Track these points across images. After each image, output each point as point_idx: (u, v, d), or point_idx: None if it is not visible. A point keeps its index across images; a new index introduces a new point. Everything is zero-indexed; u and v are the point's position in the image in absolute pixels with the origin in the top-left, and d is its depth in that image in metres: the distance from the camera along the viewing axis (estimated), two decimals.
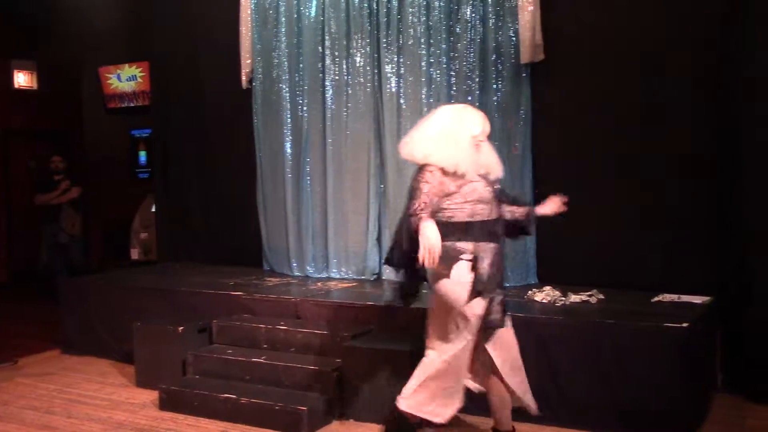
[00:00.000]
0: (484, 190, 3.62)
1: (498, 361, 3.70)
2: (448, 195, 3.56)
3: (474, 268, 3.55)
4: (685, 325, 4.12)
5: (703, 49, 4.98)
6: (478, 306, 3.56)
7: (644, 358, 4.10)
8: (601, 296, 4.90)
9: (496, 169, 3.73)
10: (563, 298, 4.86)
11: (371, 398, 4.46)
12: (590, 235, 5.33)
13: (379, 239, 6.02)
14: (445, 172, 3.54)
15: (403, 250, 3.63)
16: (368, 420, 4.46)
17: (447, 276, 3.55)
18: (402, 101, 5.82)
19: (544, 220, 4.11)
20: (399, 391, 3.78)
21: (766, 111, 4.67)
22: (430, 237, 3.35)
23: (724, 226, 4.98)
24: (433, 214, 3.50)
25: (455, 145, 3.57)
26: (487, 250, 3.59)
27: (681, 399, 4.04)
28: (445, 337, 3.64)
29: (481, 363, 3.75)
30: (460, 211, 3.57)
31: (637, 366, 4.10)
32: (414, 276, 3.78)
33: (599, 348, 4.23)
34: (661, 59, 5.10)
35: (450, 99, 5.61)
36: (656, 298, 4.85)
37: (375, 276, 6.04)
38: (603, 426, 4.15)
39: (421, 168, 3.61)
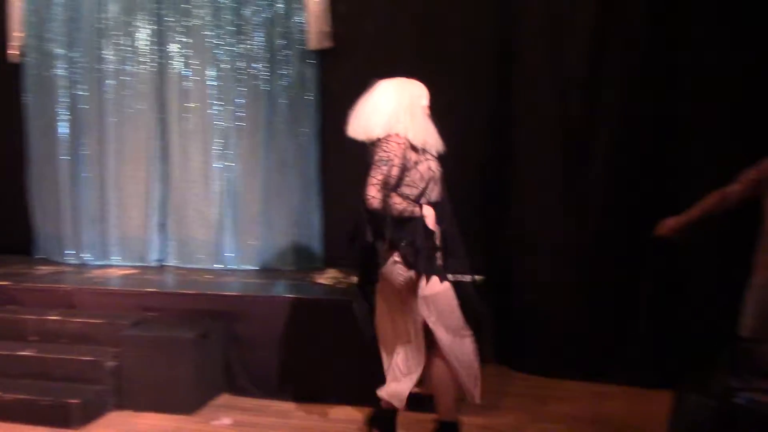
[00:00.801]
0: (437, 169, 3.49)
1: None
2: (407, 170, 3.40)
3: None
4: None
5: (484, 47, 5.24)
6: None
7: None
8: None
9: (440, 145, 3.54)
10: (344, 280, 4.99)
11: (151, 387, 4.34)
12: None
13: (164, 224, 5.84)
14: (409, 145, 3.40)
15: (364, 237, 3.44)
16: (147, 409, 4.35)
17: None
18: (187, 83, 5.67)
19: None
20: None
21: (525, 113, 5.06)
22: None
23: (496, 211, 5.34)
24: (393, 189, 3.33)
25: (413, 118, 3.45)
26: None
27: None
28: None
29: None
30: (414, 189, 3.42)
31: None
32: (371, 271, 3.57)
33: None
34: (442, 55, 5.31)
35: (238, 82, 5.57)
36: None
37: (158, 262, 5.85)
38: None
39: (380, 141, 3.41)
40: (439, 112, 5.26)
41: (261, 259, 5.64)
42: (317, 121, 5.60)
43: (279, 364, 4.56)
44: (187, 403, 4.33)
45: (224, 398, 4.60)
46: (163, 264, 5.85)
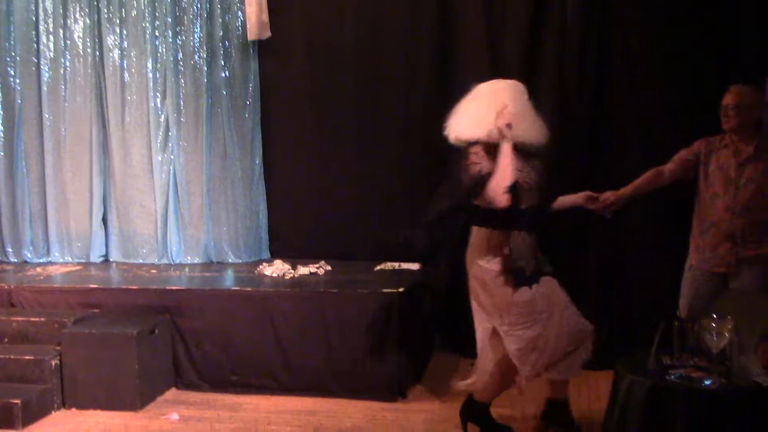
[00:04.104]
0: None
1: None
2: None
3: None
4: (400, 290, 4.43)
5: (422, 44, 5.25)
6: None
7: (364, 323, 4.34)
8: (329, 267, 5.10)
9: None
10: (292, 271, 4.99)
11: (95, 384, 4.29)
12: (320, 211, 5.51)
13: (105, 219, 5.74)
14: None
15: None
16: (93, 407, 4.30)
17: None
18: (126, 75, 5.58)
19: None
20: None
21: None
22: None
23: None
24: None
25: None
26: None
27: (396, 358, 4.34)
28: None
29: None
30: None
31: (357, 331, 4.33)
32: None
33: (324, 316, 4.40)
34: (380, 48, 5.33)
35: (178, 74, 5.50)
36: (378, 267, 5.15)
37: (102, 258, 5.76)
38: (327, 391, 4.36)
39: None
40: (376, 107, 5.36)
41: (207, 253, 5.60)
42: (259, 112, 5.58)
43: (227, 357, 4.54)
44: (133, 400, 4.29)
45: (172, 393, 4.57)
46: (107, 260, 5.76)
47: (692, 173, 3.97)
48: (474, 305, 3.70)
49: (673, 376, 2.83)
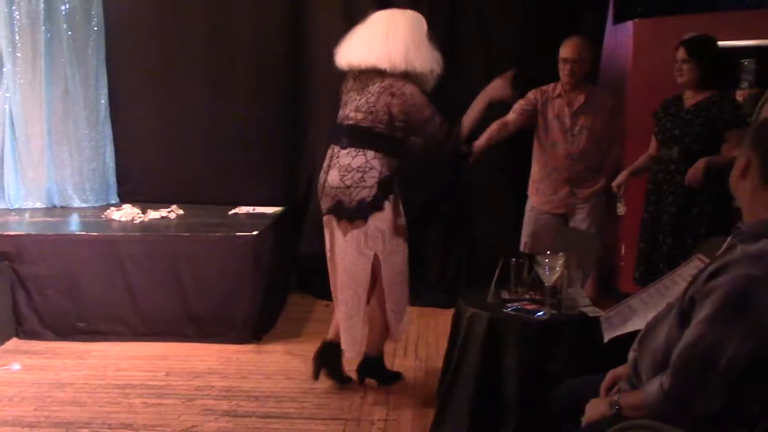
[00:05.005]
0: None
1: None
2: None
3: None
4: (254, 233, 4.41)
5: None
6: None
7: (218, 266, 4.32)
8: (181, 212, 4.99)
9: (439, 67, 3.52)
10: (142, 215, 4.85)
11: None
12: (171, 154, 5.37)
13: None
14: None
15: None
16: None
17: None
18: None
19: None
20: None
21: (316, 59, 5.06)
22: None
23: (294, 146, 5.39)
24: None
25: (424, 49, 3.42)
26: None
27: (251, 301, 4.35)
28: None
29: None
30: None
31: (210, 275, 4.30)
32: None
33: (176, 261, 4.33)
34: None
35: (11, 5, 5.10)
36: (233, 211, 5.10)
37: None
38: (180, 335, 4.31)
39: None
40: (228, 45, 5.24)
41: (49, 197, 5.32)
42: (104, 49, 5.32)
43: (73, 304, 4.38)
44: None
45: (12, 343, 4.36)
46: None
47: (531, 121, 4.19)
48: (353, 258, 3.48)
49: (509, 309, 3.02)
